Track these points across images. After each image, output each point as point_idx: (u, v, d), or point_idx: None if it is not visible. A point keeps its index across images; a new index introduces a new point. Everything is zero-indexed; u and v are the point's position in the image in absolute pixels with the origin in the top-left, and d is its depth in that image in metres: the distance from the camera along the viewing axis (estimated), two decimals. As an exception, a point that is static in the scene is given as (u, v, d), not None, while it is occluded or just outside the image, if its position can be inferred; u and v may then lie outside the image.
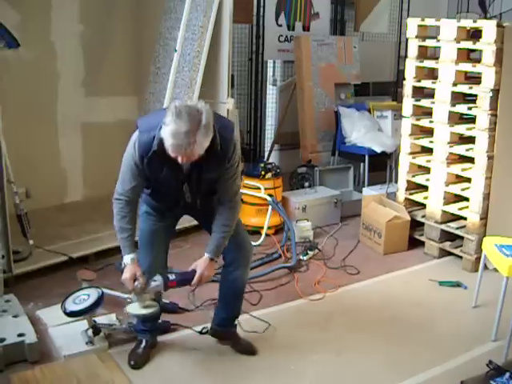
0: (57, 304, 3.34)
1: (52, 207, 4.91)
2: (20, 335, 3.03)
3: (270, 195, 4.77)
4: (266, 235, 4.72)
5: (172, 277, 2.78)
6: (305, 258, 4.40)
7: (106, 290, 3.17)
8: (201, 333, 3.28)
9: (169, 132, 2.41)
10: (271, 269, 4.12)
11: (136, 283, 2.69)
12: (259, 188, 4.81)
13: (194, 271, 2.78)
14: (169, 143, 2.42)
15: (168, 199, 2.83)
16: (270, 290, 3.87)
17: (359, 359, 3.16)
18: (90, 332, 3.15)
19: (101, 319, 3.26)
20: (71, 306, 3.15)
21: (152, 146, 2.55)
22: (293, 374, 2.98)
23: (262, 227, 4.74)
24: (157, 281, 2.75)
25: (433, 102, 4.53)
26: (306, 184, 5.62)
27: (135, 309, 2.80)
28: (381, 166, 5.82)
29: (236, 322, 3.16)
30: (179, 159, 2.46)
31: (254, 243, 4.50)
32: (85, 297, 3.17)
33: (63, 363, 3.02)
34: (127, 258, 2.71)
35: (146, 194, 2.88)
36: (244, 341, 3.20)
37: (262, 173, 4.84)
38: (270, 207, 4.72)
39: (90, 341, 3.13)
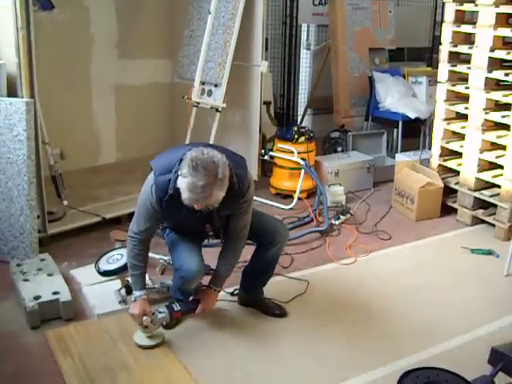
0: (90, 264, 3.39)
1: (85, 169, 4.92)
2: (55, 293, 3.06)
3: (303, 159, 4.71)
4: (299, 199, 4.68)
5: (177, 307, 2.84)
6: (337, 222, 4.36)
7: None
8: (232, 294, 3.27)
9: (185, 185, 2.40)
10: (303, 232, 4.10)
11: (144, 318, 2.72)
12: (292, 152, 4.75)
13: (198, 300, 2.88)
14: (185, 196, 2.43)
15: (190, 233, 2.86)
16: (302, 254, 3.85)
17: (390, 323, 3.12)
18: (123, 291, 3.16)
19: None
20: (105, 265, 3.20)
21: (168, 189, 2.55)
22: (323, 337, 2.97)
23: (295, 191, 4.70)
24: (163, 313, 2.80)
25: (469, 68, 4.38)
26: (339, 149, 5.55)
27: (142, 339, 2.82)
28: (414, 132, 5.72)
29: (264, 289, 3.14)
30: (195, 207, 2.48)
31: (285, 207, 4.58)
32: (118, 257, 3.22)
33: (96, 321, 3.04)
34: (138, 294, 2.75)
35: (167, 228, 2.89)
36: (274, 304, 3.18)
37: (296, 136, 4.77)
38: (302, 171, 4.68)
39: (122, 300, 3.14)
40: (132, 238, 2.70)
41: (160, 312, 2.80)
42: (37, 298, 2.99)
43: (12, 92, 3.42)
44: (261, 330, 3.02)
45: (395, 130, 5.68)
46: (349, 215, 4.46)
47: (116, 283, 3.23)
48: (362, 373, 2.68)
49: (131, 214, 3.97)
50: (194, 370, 2.68)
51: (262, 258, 2.99)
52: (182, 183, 2.43)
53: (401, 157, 5.07)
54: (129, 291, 3.14)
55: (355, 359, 2.79)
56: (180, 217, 2.66)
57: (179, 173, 2.43)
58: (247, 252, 3.03)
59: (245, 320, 3.09)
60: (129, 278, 3.14)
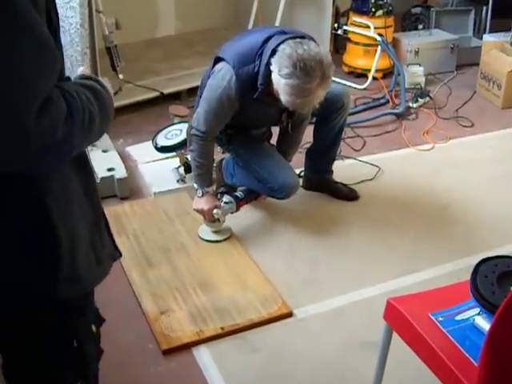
0: (147, 141, 3.28)
1: (143, 41, 4.71)
2: (110, 170, 3.01)
3: (380, 35, 4.39)
4: (374, 78, 4.42)
5: (241, 195, 2.74)
6: (414, 105, 4.13)
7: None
8: (299, 176, 3.07)
9: (289, 87, 2.26)
10: (377, 114, 3.93)
11: (215, 211, 2.61)
12: (368, 26, 4.43)
13: None
14: (287, 99, 2.30)
15: (260, 128, 2.76)
16: (375, 137, 3.71)
17: (466, 216, 2.96)
18: (182, 170, 3.09)
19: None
20: (163, 140, 3.06)
21: (254, 84, 2.40)
22: (393, 226, 2.87)
23: (369, 70, 4.43)
24: (229, 203, 2.69)
25: None
26: (420, 26, 5.16)
27: (207, 234, 2.71)
28: (506, 12, 5.18)
29: (332, 168, 3.04)
30: (290, 108, 2.40)
31: (359, 86, 4.35)
32: (177, 132, 3.05)
33: (153, 200, 3.00)
34: (206, 190, 2.63)
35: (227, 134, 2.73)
36: (344, 186, 3.08)
37: (373, 9, 4.43)
38: (379, 48, 4.37)
39: (181, 178, 3.07)
40: (199, 138, 2.54)
41: (226, 202, 2.69)
42: None
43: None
44: (328, 214, 2.95)
45: (484, 8, 5.22)
46: (428, 98, 4.22)
47: (174, 161, 3.16)
48: (434, 265, 2.59)
49: (191, 90, 4.00)
50: (256, 256, 2.63)
51: (328, 131, 2.88)
52: (284, 85, 2.27)
53: (489, 37, 4.67)
54: (188, 169, 3.05)
55: (427, 251, 2.69)
56: (257, 112, 2.55)
57: (280, 73, 2.27)
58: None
59: (311, 205, 3.02)
60: (188, 156, 3.04)
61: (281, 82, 2.28)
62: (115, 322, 2.10)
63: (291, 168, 2.74)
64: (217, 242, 2.69)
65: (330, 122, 2.84)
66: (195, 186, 2.66)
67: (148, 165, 3.24)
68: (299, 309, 2.34)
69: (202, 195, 2.63)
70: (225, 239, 2.70)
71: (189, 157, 3.02)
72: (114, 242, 1.33)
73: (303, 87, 2.24)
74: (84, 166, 1.19)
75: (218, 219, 2.65)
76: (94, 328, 1.30)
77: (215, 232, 2.71)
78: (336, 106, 2.79)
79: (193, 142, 2.57)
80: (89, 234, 1.20)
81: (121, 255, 1.36)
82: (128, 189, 3.01)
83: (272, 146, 2.90)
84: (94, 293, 1.31)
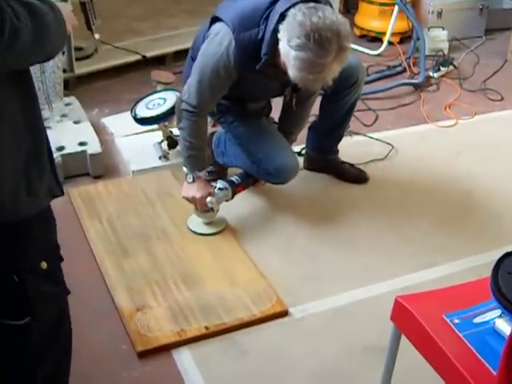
0: (126, 111, 3.26)
1: (123, -4, 4.73)
2: (81, 144, 3.02)
3: None
4: (389, 43, 4.43)
5: (238, 180, 2.73)
6: (435, 74, 4.14)
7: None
8: (299, 154, 3.13)
9: (300, 62, 2.21)
10: (392, 84, 3.95)
11: (209, 199, 2.59)
12: None
13: None
14: (297, 74, 2.25)
15: (258, 101, 2.75)
16: (389, 111, 3.74)
17: (492, 205, 2.97)
18: (165, 145, 3.09)
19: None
20: (143, 111, 3.05)
21: (257, 53, 2.35)
22: (407, 214, 2.88)
23: (385, 33, 4.44)
24: (224, 189, 2.67)
25: None
26: (444, -17, 5.11)
27: (199, 226, 2.69)
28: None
29: (338, 148, 3.05)
30: (300, 85, 2.38)
31: (372, 52, 4.37)
32: (160, 101, 3.05)
33: (131, 179, 3.01)
34: (198, 175, 2.60)
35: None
36: (352, 167, 3.09)
37: None
38: (395, 8, 4.36)
39: (163, 155, 3.08)
40: (191, 114, 2.50)
41: (220, 189, 2.67)
42: (60, 148, 2.96)
43: None
44: (332, 200, 2.96)
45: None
46: (451, 67, 4.24)
47: (156, 135, 3.15)
48: (452, 260, 2.61)
49: (177, 53, 4.02)
50: (248, 246, 2.64)
51: (338, 109, 2.87)
52: (294, 58, 2.21)
53: (523, -3, 4.66)
54: (172, 145, 3.06)
55: (444, 244, 2.71)
56: (257, 85, 2.52)
57: (290, 44, 2.22)
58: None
59: (313, 188, 3.02)
60: (172, 129, 3.08)
61: (290, 54, 2.22)
62: (84, 319, 2.10)
63: (291, 150, 2.72)
64: (210, 235, 2.67)
65: (341, 99, 2.82)
66: (185, 169, 2.62)
67: (126, 139, 3.23)
68: (296, 307, 2.33)
69: (193, 181, 2.60)
70: (219, 232, 2.68)
71: (173, 130, 3.06)
72: (57, 179, 1.43)
73: (316, 62, 2.19)
74: (25, 89, 1.29)
75: (212, 208, 2.63)
76: (44, 264, 1.37)
77: (208, 224, 2.69)
78: (349, 81, 2.75)
79: (183, 119, 2.52)
80: (23, 161, 1.29)
81: (62, 193, 1.44)
82: (102, 166, 3.01)
83: (271, 120, 2.89)
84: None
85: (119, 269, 2.44)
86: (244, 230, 2.73)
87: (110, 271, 2.43)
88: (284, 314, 2.29)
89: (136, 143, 3.19)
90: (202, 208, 2.62)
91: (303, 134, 3.04)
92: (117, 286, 2.36)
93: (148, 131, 3.22)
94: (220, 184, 2.68)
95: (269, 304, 2.30)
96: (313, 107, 2.89)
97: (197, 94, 2.47)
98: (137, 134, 3.24)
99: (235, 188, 2.71)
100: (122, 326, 2.21)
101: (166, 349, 2.13)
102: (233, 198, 2.72)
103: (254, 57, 2.36)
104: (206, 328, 2.19)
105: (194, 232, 2.66)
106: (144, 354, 2.10)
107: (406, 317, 1.59)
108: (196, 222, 2.69)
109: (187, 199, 2.63)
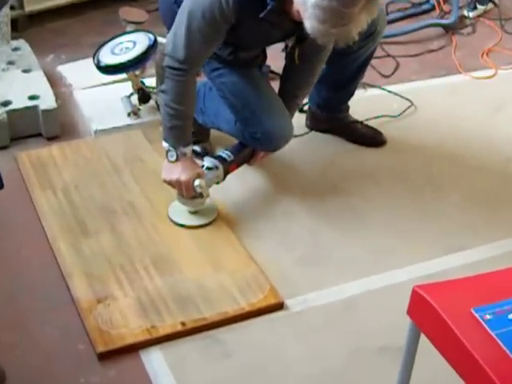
0: (88, 57, 3.23)
1: None
2: (32, 98, 3.03)
3: None
4: None
5: (230, 157, 2.70)
6: (471, 14, 4.15)
7: (161, 39, 2.96)
8: (301, 111, 3.15)
9: (321, 10, 2.13)
10: (417, 25, 3.97)
11: (197, 182, 2.53)
12: None
13: None
14: (314, 24, 2.18)
15: (251, 49, 2.71)
16: (413, 58, 3.76)
17: None
18: (135, 99, 3.11)
19: (153, 81, 3.12)
20: (108, 57, 3.02)
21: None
22: (430, 187, 2.91)
23: None
24: (213, 168, 2.65)
25: None
26: None
27: (184, 216, 2.65)
28: None
29: (349, 104, 3.07)
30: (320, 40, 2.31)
31: None
32: (129, 44, 3.02)
33: (93, 141, 3.03)
34: (182, 151, 2.54)
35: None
36: (365, 127, 3.10)
37: None
38: None
39: (133, 111, 3.09)
40: (177, 72, 2.45)
41: (209, 168, 2.65)
42: (5, 104, 2.97)
43: None
44: (340, 167, 2.98)
45: None
46: (491, 5, 4.24)
47: (124, 86, 3.17)
48: (486, 242, 2.64)
49: None
50: (235, 223, 2.67)
51: (350, 62, 2.90)
52: (315, 7, 2.16)
53: None
54: (144, 99, 3.07)
55: (476, 222, 2.73)
56: (255, 33, 2.50)
57: None
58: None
59: (317, 153, 3.04)
60: (144, 80, 3.11)
61: (308, 1, 2.19)
62: (31, 311, 2.11)
63: (284, 110, 2.69)
64: (199, 227, 2.64)
65: (354, 52, 2.82)
66: (165, 145, 2.55)
67: (87, 91, 3.25)
68: (294, 298, 2.33)
69: (177, 159, 2.54)
70: (210, 223, 2.65)
71: (145, 81, 3.07)
72: None
73: (342, 12, 2.15)
74: None
75: (201, 194, 2.59)
76: None
77: (195, 213, 2.66)
78: (365, 31, 2.74)
79: (166, 79, 2.48)
80: None
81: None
82: (58, 125, 3.03)
83: (267, 69, 2.90)
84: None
85: (77, 250, 2.44)
86: (228, 199, 2.75)
87: (65, 253, 2.42)
88: (279, 306, 2.29)
89: (99, 97, 3.19)
90: (189, 193, 2.58)
91: None
92: (73, 272, 2.35)
93: (114, 82, 3.24)
94: (208, 162, 2.65)
95: (260, 294, 2.30)
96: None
97: (185, 45, 2.42)
98: (100, 85, 3.26)
99: (227, 166, 2.68)
100: (79, 320, 2.20)
101: (134, 349, 2.13)
102: (224, 179, 2.70)
103: (255, 3, 2.34)
104: (183, 324, 2.18)
105: (179, 224, 2.64)
106: (106, 356, 2.10)
107: (425, 311, 1.57)
108: (180, 211, 2.66)
109: (169, 183, 2.58)
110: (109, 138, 2.99)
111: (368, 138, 3.05)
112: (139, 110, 3.07)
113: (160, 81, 2.53)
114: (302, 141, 2.96)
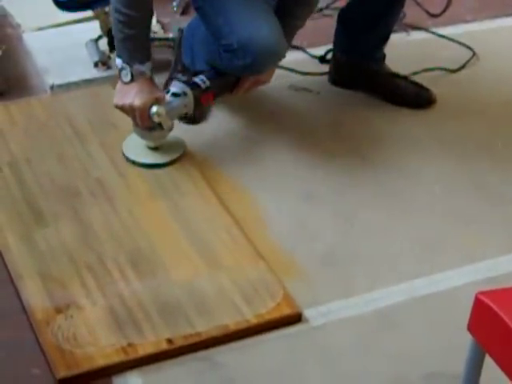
0: None
1: None
2: None
3: None
4: None
5: (205, 83, 2.78)
6: None
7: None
8: (323, 59, 3.22)
9: None
10: None
11: (155, 109, 2.60)
12: None
13: None
14: None
15: None
16: None
17: None
18: (105, 43, 3.13)
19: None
20: None
21: None
22: (498, 159, 2.96)
23: None
24: (180, 94, 2.73)
25: None
26: None
27: (140, 152, 2.76)
28: None
29: (385, 51, 3.10)
30: None
31: None
32: None
33: (49, 99, 3.06)
34: (138, 69, 2.62)
35: None
36: (408, 84, 3.13)
37: None
38: None
39: (101, 60, 3.13)
40: None
41: (175, 94, 2.71)
42: None
43: None
44: (375, 133, 3.02)
45: None
46: None
47: (90, 27, 3.20)
48: None
49: None
50: (237, 203, 2.69)
51: None
52: None
53: None
54: (114, 44, 2.99)
55: None
56: None
57: None
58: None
59: (345, 114, 3.07)
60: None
61: None
62: None
63: (273, 20, 2.70)
64: (157, 166, 2.72)
65: None
66: (118, 62, 2.64)
67: (41, 34, 3.28)
68: (315, 309, 2.33)
69: (132, 79, 2.62)
70: (172, 162, 2.73)
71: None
72: None
73: None
74: None
75: (160, 124, 2.64)
76: None
77: (155, 149, 2.74)
78: None
79: None
80: None
81: None
82: (2, 79, 3.05)
83: None
84: None
85: (29, 244, 2.43)
86: (227, 170, 2.78)
87: (14, 248, 2.42)
88: (295, 319, 2.28)
89: (57, 41, 3.22)
90: (145, 122, 2.65)
91: (327, 28, 3.07)
92: (25, 273, 2.34)
93: (76, 22, 3.27)
94: (175, 87, 2.72)
95: (271, 303, 2.29)
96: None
97: None
98: (58, 25, 3.28)
99: (200, 94, 2.74)
100: (32, 336, 2.18)
101: (105, 374, 2.12)
102: (196, 110, 2.77)
103: None
104: (169, 341, 2.17)
105: (133, 162, 2.73)
106: (68, 383, 2.08)
107: (492, 325, 1.57)
108: (136, 146, 2.74)
109: (121, 108, 2.66)
110: (70, 96, 3.02)
111: (411, 96, 3.09)
112: (109, 58, 3.09)
113: None
114: (322, 97, 2.95)
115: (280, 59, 2.74)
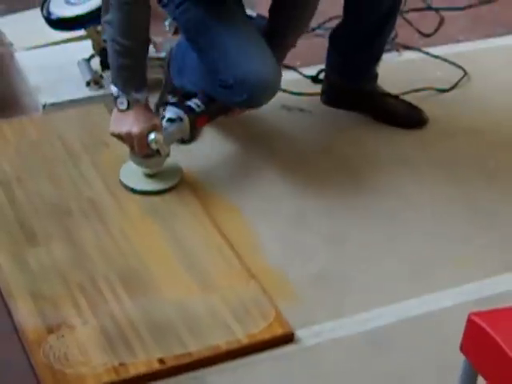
0: (34, 8, 3.31)
1: None
2: None
3: None
4: None
5: (199, 107, 2.78)
6: None
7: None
8: (315, 79, 3.23)
9: None
10: None
11: (152, 136, 2.60)
12: None
13: None
14: None
15: None
16: (460, 13, 3.87)
17: None
18: (97, 63, 3.14)
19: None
20: (62, 8, 3.07)
21: None
22: (490, 179, 2.95)
23: None
24: (176, 120, 2.73)
25: None
26: None
27: (137, 179, 2.74)
28: None
29: (377, 70, 3.10)
30: None
31: None
32: None
33: (41, 118, 3.06)
34: (135, 97, 2.61)
35: None
36: (400, 103, 3.14)
37: None
38: None
39: (94, 79, 3.12)
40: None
41: (171, 120, 2.72)
42: None
43: None
44: (367, 152, 3.02)
45: None
46: None
47: (82, 47, 3.20)
48: None
49: None
50: (229, 223, 2.68)
51: (376, 2, 2.91)
52: None
53: None
54: (107, 64, 2.97)
55: None
56: None
57: None
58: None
59: (337, 134, 3.08)
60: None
61: None
62: None
63: (266, 50, 2.70)
64: (155, 193, 2.71)
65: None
66: (114, 90, 2.63)
67: (34, 53, 3.28)
68: (307, 328, 2.32)
69: (128, 107, 2.61)
70: (169, 188, 2.73)
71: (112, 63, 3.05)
72: None
73: None
74: None
75: (158, 151, 2.64)
76: None
77: (152, 176, 2.73)
78: None
79: (112, 8, 2.54)
80: None
81: None
82: None
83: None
84: None
85: (20, 264, 2.43)
86: (220, 192, 2.77)
87: (6, 267, 2.41)
88: (288, 339, 2.28)
89: (49, 60, 3.22)
90: (143, 150, 2.64)
91: (320, 48, 3.08)
92: (16, 292, 2.33)
93: (69, 41, 3.26)
94: (170, 113, 2.72)
95: (263, 323, 2.28)
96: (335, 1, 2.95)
97: None
98: (51, 45, 3.28)
99: (195, 119, 2.74)
100: (23, 356, 2.17)
101: (96, 395, 2.13)
102: (192, 135, 2.78)
103: None
104: (161, 361, 2.16)
105: (131, 189, 2.71)
106: (60, 403, 2.09)
107: (485, 347, 1.56)
108: (133, 174, 2.73)
109: (118, 136, 2.65)
110: (62, 115, 3.01)
111: (403, 116, 3.08)
112: (101, 77, 3.09)
113: (104, 9, 2.58)
114: (314, 117, 2.96)
115: (276, 92, 2.73)
